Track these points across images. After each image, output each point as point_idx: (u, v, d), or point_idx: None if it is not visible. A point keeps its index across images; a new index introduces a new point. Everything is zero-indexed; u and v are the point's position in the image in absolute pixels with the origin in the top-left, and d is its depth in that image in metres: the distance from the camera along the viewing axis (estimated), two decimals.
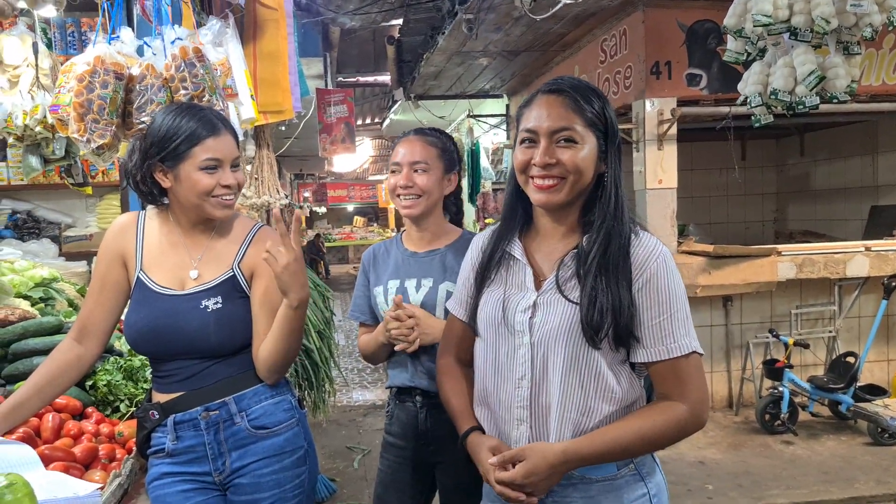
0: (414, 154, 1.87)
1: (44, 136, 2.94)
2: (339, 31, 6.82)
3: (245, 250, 1.65)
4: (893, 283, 4.66)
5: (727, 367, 5.24)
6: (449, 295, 1.83)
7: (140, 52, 2.27)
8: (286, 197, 4.47)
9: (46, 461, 1.60)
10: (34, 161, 3.12)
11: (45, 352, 1.99)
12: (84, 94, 2.10)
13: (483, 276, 1.48)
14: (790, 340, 4.68)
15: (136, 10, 2.72)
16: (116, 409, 2.07)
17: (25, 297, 2.71)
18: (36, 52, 2.92)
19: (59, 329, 2.24)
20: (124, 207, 4.19)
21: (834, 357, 4.92)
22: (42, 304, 2.72)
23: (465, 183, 1.99)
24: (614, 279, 1.29)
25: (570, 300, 1.33)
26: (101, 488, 1.54)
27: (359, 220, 23.61)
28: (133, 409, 2.02)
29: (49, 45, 3.31)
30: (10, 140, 3.01)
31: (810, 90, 2.80)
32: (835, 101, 2.87)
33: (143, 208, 1.73)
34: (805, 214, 7.65)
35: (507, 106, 8.27)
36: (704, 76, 4.99)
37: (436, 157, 1.88)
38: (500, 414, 1.41)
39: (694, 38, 4.96)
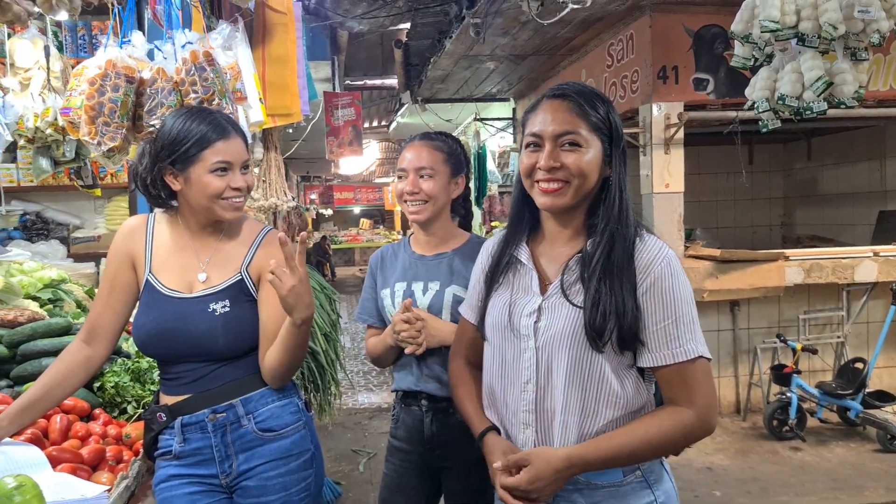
0: (420, 159, 1.87)
1: (54, 138, 2.96)
2: (347, 34, 6.85)
3: (253, 254, 1.66)
4: None
5: (734, 372, 5.22)
6: (456, 298, 1.83)
7: (151, 55, 2.29)
8: (293, 199, 4.49)
9: (54, 462, 1.61)
10: (44, 163, 3.14)
11: (54, 353, 2.00)
12: (95, 98, 2.12)
13: (491, 281, 1.49)
14: (798, 346, 4.66)
15: (147, 15, 2.75)
16: (124, 411, 2.08)
17: (34, 299, 2.72)
18: (47, 55, 2.95)
19: (67, 330, 2.26)
20: (132, 209, 4.22)
21: (842, 363, 4.90)
22: (50, 306, 2.74)
23: (471, 186, 1.99)
24: (618, 282, 1.29)
25: (574, 304, 1.33)
26: (109, 490, 1.55)
27: (365, 223, 23.64)
28: (140, 410, 2.03)
29: (60, 49, 3.33)
30: (21, 142, 3.03)
31: (818, 96, 2.80)
32: (842, 106, 2.87)
33: (151, 210, 1.74)
34: (813, 219, 7.61)
35: (514, 109, 8.28)
36: (711, 81, 4.99)
37: (442, 162, 1.89)
38: (507, 417, 1.42)
39: (701, 42, 4.96)
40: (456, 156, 1.93)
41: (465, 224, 2.04)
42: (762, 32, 2.81)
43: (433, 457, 1.89)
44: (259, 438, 1.60)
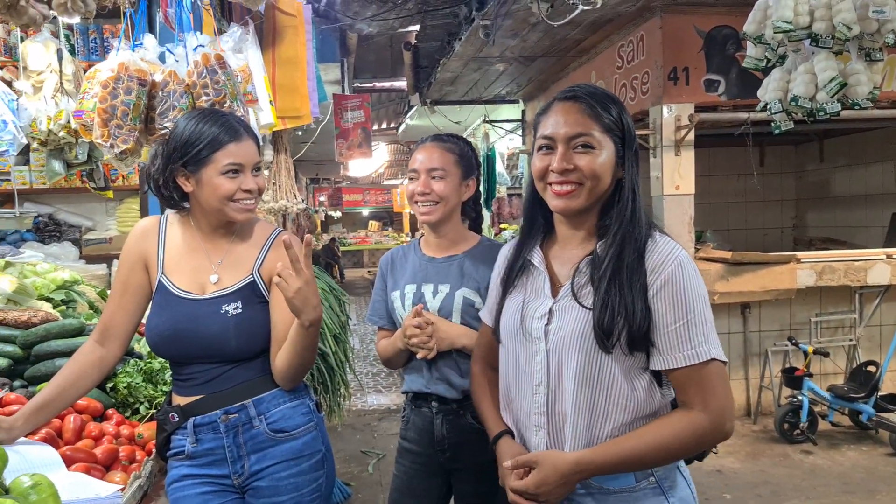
0: (431, 161, 1.87)
1: (67, 140, 2.99)
2: (357, 37, 6.86)
3: (265, 255, 1.66)
4: None
5: (745, 375, 5.19)
6: (466, 301, 1.83)
7: (163, 58, 2.31)
8: (302, 201, 4.50)
9: (68, 462, 1.62)
10: (57, 165, 3.17)
11: (67, 353, 2.02)
12: (108, 100, 2.13)
13: (506, 285, 1.49)
14: (810, 348, 4.62)
15: (159, 18, 2.76)
16: (136, 411, 2.09)
17: (47, 300, 2.74)
18: (60, 58, 2.97)
19: (80, 331, 2.27)
20: (144, 211, 4.25)
21: (854, 366, 4.86)
22: (64, 307, 2.76)
23: (480, 188, 1.98)
24: (628, 284, 1.28)
25: (583, 306, 1.32)
26: (122, 489, 1.56)
27: (374, 225, 23.70)
28: (153, 411, 2.04)
29: (72, 52, 3.36)
30: (34, 144, 3.06)
31: (831, 97, 2.77)
32: (856, 107, 2.84)
33: (163, 212, 1.75)
34: (825, 221, 7.56)
35: (523, 111, 8.27)
36: (723, 82, 4.97)
37: (453, 164, 1.89)
38: (520, 419, 1.42)
39: (712, 43, 4.94)
40: (467, 158, 1.93)
41: (476, 226, 2.04)
42: (775, 33, 2.79)
43: (443, 458, 1.88)
44: (271, 439, 1.60)
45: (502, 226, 8.60)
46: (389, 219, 25.01)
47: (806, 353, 4.63)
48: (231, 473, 1.60)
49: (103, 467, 1.72)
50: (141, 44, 2.30)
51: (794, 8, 2.74)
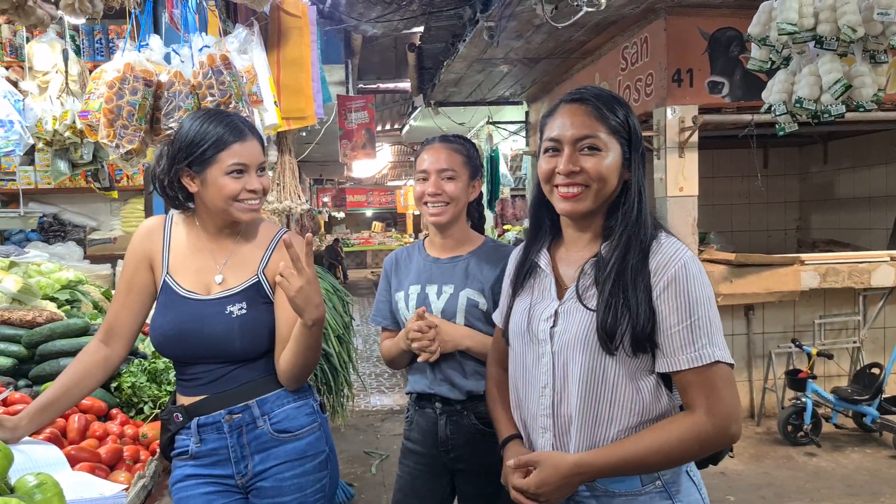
0: (441, 161, 1.87)
1: (72, 140, 3.00)
2: (361, 38, 6.86)
3: (270, 256, 1.66)
4: None
5: (749, 376, 5.18)
6: (470, 302, 1.83)
7: (168, 59, 2.31)
8: (306, 202, 4.50)
9: (73, 461, 1.62)
10: (62, 165, 3.18)
11: (72, 353, 2.03)
12: (114, 101, 2.14)
13: (515, 287, 1.49)
14: (813, 350, 4.62)
15: (164, 19, 2.77)
16: (140, 411, 2.10)
17: (52, 299, 2.75)
18: (65, 58, 2.98)
19: (85, 331, 2.28)
20: (148, 212, 4.25)
21: (858, 368, 4.84)
22: (68, 307, 2.77)
23: (484, 189, 1.99)
24: (632, 285, 1.27)
25: (588, 308, 1.32)
26: (126, 489, 1.56)
27: (377, 226, 23.71)
28: (157, 411, 2.05)
29: (77, 52, 3.38)
30: (40, 145, 3.07)
31: (836, 99, 2.76)
32: (861, 109, 2.83)
33: (167, 212, 1.76)
34: (828, 223, 7.54)
35: (527, 113, 8.27)
36: (727, 84, 4.96)
37: (462, 164, 1.89)
38: (528, 421, 1.43)
39: (716, 45, 4.93)
40: (473, 159, 1.94)
41: (478, 228, 2.04)
42: (780, 35, 2.79)
43: (447, 459, 1.89)
44: (275, 439, 1.60)
45: (506, 227, 8.61)
46: (393, 220, 25.03)
47: (810, 355, 4.62)
48: (235, 473, 1.60)
49: (107, 467, 1.72)
50: (147, 44, 2.31)
51: (799, 10, 2.74)
